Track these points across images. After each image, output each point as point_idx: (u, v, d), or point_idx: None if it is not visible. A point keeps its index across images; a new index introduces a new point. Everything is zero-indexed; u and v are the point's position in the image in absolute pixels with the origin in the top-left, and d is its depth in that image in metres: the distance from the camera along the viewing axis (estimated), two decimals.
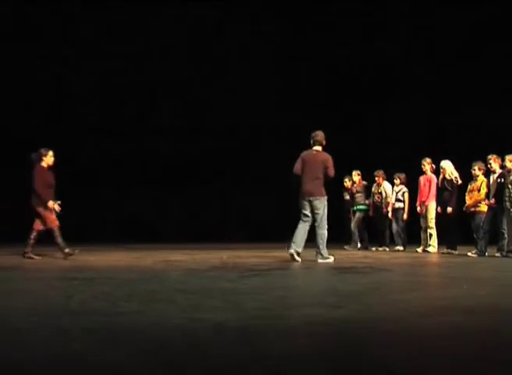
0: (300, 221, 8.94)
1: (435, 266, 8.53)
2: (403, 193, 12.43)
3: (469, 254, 9.91)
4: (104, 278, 6.68)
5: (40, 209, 9.23)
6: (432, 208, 11.24)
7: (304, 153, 8.99)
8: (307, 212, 8.84)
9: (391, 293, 5.19)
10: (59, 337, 3.24)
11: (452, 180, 10.74)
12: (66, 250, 9.26)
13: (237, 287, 5.56)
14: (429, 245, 11.44)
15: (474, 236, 10.13)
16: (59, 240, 9.29)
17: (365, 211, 13.29)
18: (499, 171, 9.67)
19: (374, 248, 12.97)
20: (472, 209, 10.40)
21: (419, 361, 2.70)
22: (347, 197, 13.74)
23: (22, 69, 16.69)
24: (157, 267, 8.09)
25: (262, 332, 3.36)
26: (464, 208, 10.52)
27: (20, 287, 5.80)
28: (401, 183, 12.55)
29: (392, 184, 12.73)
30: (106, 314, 3.98)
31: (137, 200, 17.96)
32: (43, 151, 9.41)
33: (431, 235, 11.37)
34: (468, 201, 10.49)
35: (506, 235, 9.56)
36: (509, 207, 9.37)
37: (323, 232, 8.86)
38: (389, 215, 12.54)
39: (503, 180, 9.44)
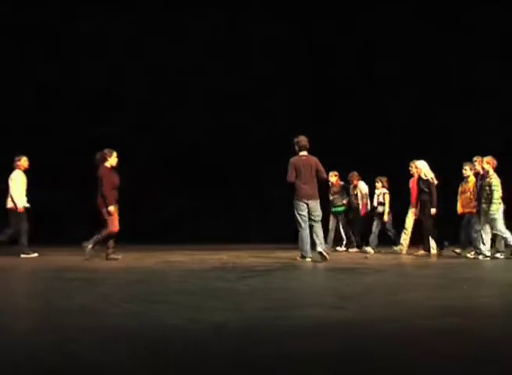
0: (302, 229, 9.12)
1: (435, 266, 8.53)
2: (384, 194, 12.23)
3: (468, 255, 9.90)
4: (105, 279, 6.69)
5: (105, 211, 9.26)
6: None
7: (295, 159, 9.15)
8: (305, 213, 9.09)
9: (391, 294, 5.19)
10: (59, 337, 3.24)
11: (428, 180, 10.56)
12: (112, 254, 9.29)
13: (237, 288, 5.56)
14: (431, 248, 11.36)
15: (474, 236, 10.10)
16: (111, 243, 9.36)
17: (343, 212, 13.13)
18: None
19: (346, 249, 12.82)
20: (466, 211, 10.32)
21: (419, 361, 2.71)
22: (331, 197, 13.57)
23: None
24: (157, 268, 8.10)
25: (262, 333, 3.36)
26: (458, 211, 10.43)
27: (21, 287, 5.81)
28: (383, 187, 12.39)
29: (374, 187, 12.61)
30: (106, 315, 3.98)
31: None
32: (107, 151, 9.39)
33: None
34: (460, 203, 10.38)
35: (482, 237, 9.44)
36: (486, 209, 9.27)
37: (321, 232, 9.21)
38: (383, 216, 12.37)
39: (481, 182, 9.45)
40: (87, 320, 3.79)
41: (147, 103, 17.93)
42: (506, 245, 9.86)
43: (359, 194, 12.72)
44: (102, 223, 9.33)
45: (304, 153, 9.18)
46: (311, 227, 9.21)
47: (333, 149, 14.44)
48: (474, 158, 9.96)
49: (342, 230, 13.18)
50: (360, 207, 12.70)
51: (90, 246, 9.05)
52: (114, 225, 9.27)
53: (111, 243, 9.42)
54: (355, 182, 12.86)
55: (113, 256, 9.28)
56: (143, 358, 2.76)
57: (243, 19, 17.52)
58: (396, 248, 11.53)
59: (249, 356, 2.81)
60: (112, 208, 9.16)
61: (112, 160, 9.38)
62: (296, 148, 9.19)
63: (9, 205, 10.03)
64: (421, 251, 10.64)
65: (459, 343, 3.06)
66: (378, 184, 12.37)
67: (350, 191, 13.11)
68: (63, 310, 4.24)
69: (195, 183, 18.20)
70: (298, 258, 9.38)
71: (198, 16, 17.25)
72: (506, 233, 9.41)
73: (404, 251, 11.05)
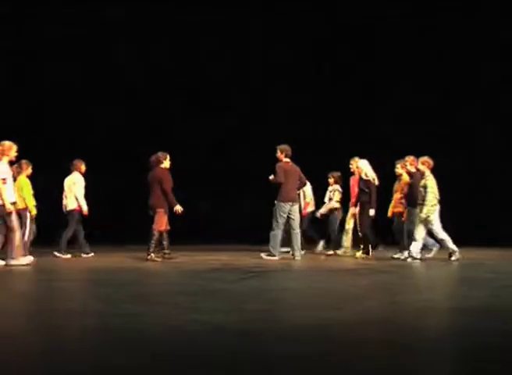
0: (279, 229, 9.73)
1: (436, 267, 8.54)
2: (334, 192, 11.37)
3: (401, 257, 9.46)
4: (105, 279, 6.70)
5: (159, 210, 9.38)
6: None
7: (282, 164, 9.82)
8: (286, 215, 9.76)
9: (390, 295, 5.21)
10: (60, 338, 3.26)
11: (368, 180, 10.23)
12: (152, 255, 9.30)
13: (237, 289, 5.58)
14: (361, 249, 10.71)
15: (400, 236, 9.74)
16: (165, 243, 9.53)
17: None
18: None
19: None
20: (395, 210, 9.94)
21: (419, 361, 2.73)
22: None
23: None
24: (157, 268, 8.11)
25: (262, 333, 3.38)
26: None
27: (21, 288, 5.83)
28: (335, 183, 11.51)
29: (327, 184, 11.60)
30: (107, 315, 4.00)
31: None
32: (161, 155, 9.64)
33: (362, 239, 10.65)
34: (392, 203, 10.01)
35: (416, 238, 9.15)
36: (419, 211, 9.07)
37: (299, 239, 9.93)
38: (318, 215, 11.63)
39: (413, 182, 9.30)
40: (87, 321, 3.80)
41: None
42: (442, 247, 9.45)
43: (301, 194, 11.40)
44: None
45: (289, 160, 9.90)
46: (289, 232, 9.88)
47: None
48: (406, 158, 9.68)
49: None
50: (303, 206, 11.45)
51: (151, 255, 9.27)
52: (162, 224, 9.44)
53: (166, 243, 9.61)
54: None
55: (155, 258, 9.31)
56: (143, 358, 2.77)
57: None
58: (339, 251, 10.94)
59: (249, 357, 2.82)
60: (178, 207, 9.40)
61: (167, 163, 9.68)
62: (283, 155, 9.85)
63: (71, 206, 10.22)
64: (359, 253, 10.17)
65: (459, 343, 3.06)
66: (331, 180, 11.62)
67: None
68: (63, 311, 4.26)
69: (195, 183, 17.90)
70: (264, 256, 9.63)
71: None
72: (443, 236, 9.09)
73: (348, 253, 10.58)
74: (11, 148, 8.12)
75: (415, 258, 8.98)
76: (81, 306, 4.48)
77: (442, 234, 9.11)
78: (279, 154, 9.90)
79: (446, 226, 9.28)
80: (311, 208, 11.72)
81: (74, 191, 10.24)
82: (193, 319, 3.77)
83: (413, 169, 9.61)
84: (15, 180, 8.72)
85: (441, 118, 14.58)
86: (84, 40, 14.95)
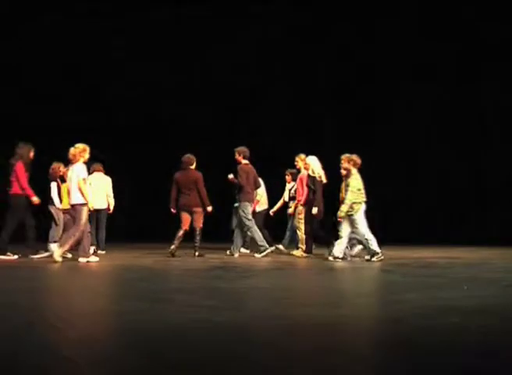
0: (252, 226, 9.94)
1: (436, 267, 8.52)
2: (295, 190, 10.69)
3: (330, 258, 9.27)
4: (105, 277, 6.69)
5: (198, 210, 9.86)
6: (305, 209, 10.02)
7: (244, 166, 10.10)
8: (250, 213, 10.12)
9: (391, 293, 5.20)
10: (59, 335, 3.24)
11: (314, 177, 9.99)
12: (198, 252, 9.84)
13: (237, 287, 5.57)
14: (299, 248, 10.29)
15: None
16: (198, 239, 9.90)
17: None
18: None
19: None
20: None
21: (418, 361, 2.71)
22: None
23: None
24: (157, 266, 8.11)
25: (262, 332, 3.36)
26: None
27: (22, 285, 5.81)
28: (293, 180, 11.01)
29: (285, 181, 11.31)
30: (106, 313, 3.98)
31: None
32: (192, 156, 10.04)
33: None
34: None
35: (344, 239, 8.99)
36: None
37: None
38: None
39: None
40: (87, 319, 3.79)
41: None
42: (364, 247, 9.13)
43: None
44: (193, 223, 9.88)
45: (247, 162, 10.21)
46: (243, 230, 10.15)
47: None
48: (342, 156, 9.34)
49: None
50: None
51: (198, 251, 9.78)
52: (200, 222, 9.98)
53: (197, 241, 9.94)
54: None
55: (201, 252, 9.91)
56: (143, 356, 2.76)
57: None
58: (280, 246, 10.70)
59: (249, 356, 2.80)
60: (211, 207, 9.93)
61: (195, 164, 10.14)
62: (241, 156, 10.13)
63: (104, 206, 10.54)
64: (300, 252, 10.02)
65: (458, 343, 3.05)
66: (288, 177, 11.20)
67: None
68: (63, 308, 4.24)
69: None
70: (258, 255, 9.67)
71: None
72: (369, 236, 8.81)
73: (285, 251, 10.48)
74: (85, 150, 8.65)
75: (337, 258, 8.72)
76: (80, 303, 4.46)
77: (368, 235, 8.80)
78: (237, 156, 10.19)
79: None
80: (263, 206, 11.31)
81: (107, 190, 10.64)
82: (192, 317, 3.76)
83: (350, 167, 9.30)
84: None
85: None
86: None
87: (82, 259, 8.44)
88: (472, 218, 14.80)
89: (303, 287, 5.97)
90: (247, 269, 7.67)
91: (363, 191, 8.88)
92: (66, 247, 8.53)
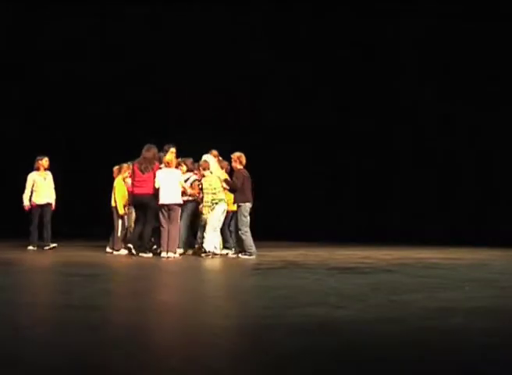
0: (247, 230, 9.65)
1: (436, 267, 8.51)
2: (193, 182, 9.73)
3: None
4: (105, 275, 6.70)
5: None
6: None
7: (242, 171, 9.99)
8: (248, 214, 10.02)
9: (392, 294, 5.19)
10: (59, 333, 3.25)
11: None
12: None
13: (240, 286, 5.57)
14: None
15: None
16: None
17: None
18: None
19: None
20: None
21: (418, 361, 2.72)
22: None
23: None
24: (158, 265, 8.10)
25: (264, 331, 3.37)
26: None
27: (23, 282, 5.82)
28: (188, 171, 9.91)
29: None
30: (107, 311, 3.99)
31: None
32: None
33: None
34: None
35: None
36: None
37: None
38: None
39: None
40: (86, 316, 3.79)
41: None
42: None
43: None
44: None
45: (242, 167, 10.11)
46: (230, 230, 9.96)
47: None
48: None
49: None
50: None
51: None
52: None
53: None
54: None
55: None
56: (143, 356, 2.76)
57: None
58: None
59: (251, 354, 2.81)
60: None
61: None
62: (237, 162, 9.95)
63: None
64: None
65: (459, 344, 3.05)
66: (183, 168, 9.72)
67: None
68: (63, 305, 4.25)
69: None
70: (241, 256, 9.38)
71: None
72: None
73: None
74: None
75: (215, 254, 8.90)
76: (80, 301, 4.47)
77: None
78: (233, 162, 9.98)
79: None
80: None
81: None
82: (193, 316, 3.77)
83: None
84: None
85: None
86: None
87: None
88: (474, 218, 14.75)
89: (305, 287, 5.96)
90: (251, 267, 7.65)
91: (220, 190, 9.27)
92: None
